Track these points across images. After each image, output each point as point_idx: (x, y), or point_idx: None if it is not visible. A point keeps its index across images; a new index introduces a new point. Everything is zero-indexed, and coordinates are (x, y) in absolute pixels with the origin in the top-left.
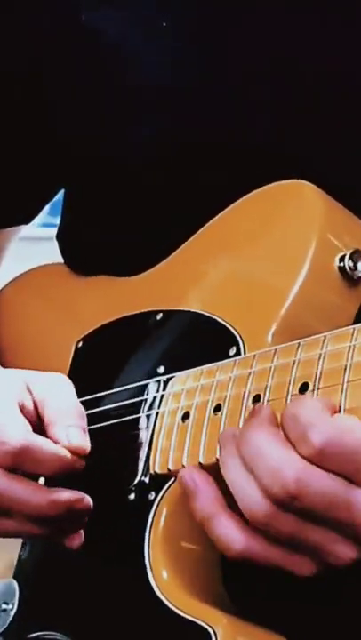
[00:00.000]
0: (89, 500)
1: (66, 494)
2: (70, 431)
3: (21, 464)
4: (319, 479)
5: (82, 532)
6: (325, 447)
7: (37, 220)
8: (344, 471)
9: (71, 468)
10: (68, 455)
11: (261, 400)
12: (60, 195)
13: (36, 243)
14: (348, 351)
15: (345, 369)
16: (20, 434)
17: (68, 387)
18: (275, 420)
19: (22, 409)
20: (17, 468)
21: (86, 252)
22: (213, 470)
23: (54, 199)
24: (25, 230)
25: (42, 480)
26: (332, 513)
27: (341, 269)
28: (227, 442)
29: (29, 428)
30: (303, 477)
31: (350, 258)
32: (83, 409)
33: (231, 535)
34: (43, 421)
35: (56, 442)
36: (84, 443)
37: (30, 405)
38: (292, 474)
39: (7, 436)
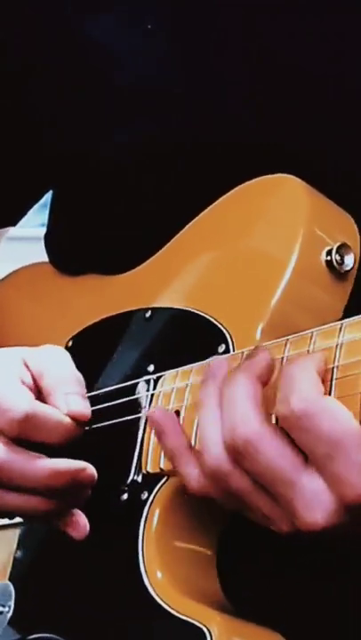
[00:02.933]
0: (92, 470)
1: (69, 463)
2: (69, 398)
3: (27, 432)
4: (268, 449)
5: (86, 521)
6: (301, 416)
7: (38, 220)
8: (305, 448)
9: (74, 435)
10: (69, 421)
11: None
12: None
13: (36, 243)
14: (336, 348)
15: (333, 366)
16: (24, 401)
17: (65, 357)
18: (265, 376)
19: (22, 383)
20: (22, 436)
21: (74, 251)
22: None
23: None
24: (25, 231)
25: None
26: (273, 485)
27: (329, 263)
28: (211, 378)
29: (32, 396)
30: (253, 441)
31: (337, 252)
32: (81, 376)
33: (192, 473)
34: (42, 392)
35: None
36: (85, 409)
37: (29, 380)
38: (244, 431)
39: (12, 404)
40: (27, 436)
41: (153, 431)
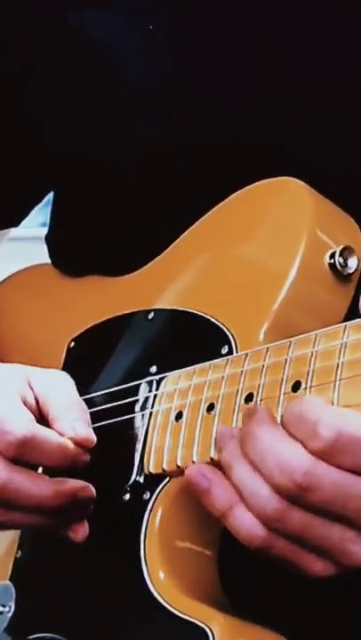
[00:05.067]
0: (92, 490)
1: (69, 484)
2: (76, 424)
3: (25, 454)
4: (329, 471)
5: (86, 524)
6: (337, 439)
7: (39, 219)
8: (355, 463)
9: (75, 461)
10: (72, 447)
11: (254, 399)
12: None
13: (37, 243)
14: (340, 349)
15: (337, 367)
16: (23, 424)
17: (69, 383)
18: (274, 419)
19: (24, 403)
20: (20, 458)
21: (75, 252)
22: None
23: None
24: (26, 231)
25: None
26: (343, 506)
27: (332, 266)
28: (227, 442)
29: (33, 418)
30: (312, 470)
31: (341, 254)
32: (85, 405)
33: (254, 524)
34: (46, 417)
35: (61, 435)
36: (91, 435)
37: (32, 401)
38: (301, 466)
39: (11, 425)
40: (24, 459)
41: (192, 486)
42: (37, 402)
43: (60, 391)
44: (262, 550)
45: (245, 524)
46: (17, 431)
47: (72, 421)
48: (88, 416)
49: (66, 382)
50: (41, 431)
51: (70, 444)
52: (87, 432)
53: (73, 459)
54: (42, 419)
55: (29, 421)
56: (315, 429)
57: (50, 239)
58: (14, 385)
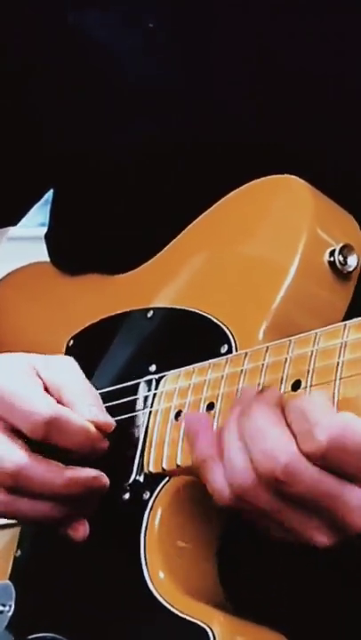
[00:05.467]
0: (105, 479)
1: (85, 471)
2: (93, 410)
3: (51, 435)
4: (311, 472)
5: (86, 523)
6: (331, 445)
7: (38, 219)
8: (345, 470)
9: (94, 446)
10: (94, 429)
11: None
12: None
13: (36, 242)
14: (340, 348)
15: (337, 366)
16: (48, 404)
17: (78, 369)
18: (277, 405)
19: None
20: (47, 439)
21: (75, 251)
22: None
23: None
24: (25, 230)
25: None
26: (316, 502)
27: (331, 264)
28: (235, 405)
29: (54, 400)
30: (294, 466)
31: (340, 252)
32: (95, 391)
33: (222, 486)
34: (59, 403)
35: None
36: (109, 419)
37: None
38: (284, 460)
39: (36, 406)
40: (51, 440)
41: (185, 433)
42: (46, 388)
43: (70, 377)
44: (231, 508)
45: (216, 481)
46: (43, 411)
47: (89, 406)
48: (101, 401)
49: (74, 369)
50: (65, 412)
51: (92, 427)
52: (105, 416)
53: (93, 442)
54: None
55: (54, 402)
56: (311, 430)
57: (49, 238)
58: (24, 372)
